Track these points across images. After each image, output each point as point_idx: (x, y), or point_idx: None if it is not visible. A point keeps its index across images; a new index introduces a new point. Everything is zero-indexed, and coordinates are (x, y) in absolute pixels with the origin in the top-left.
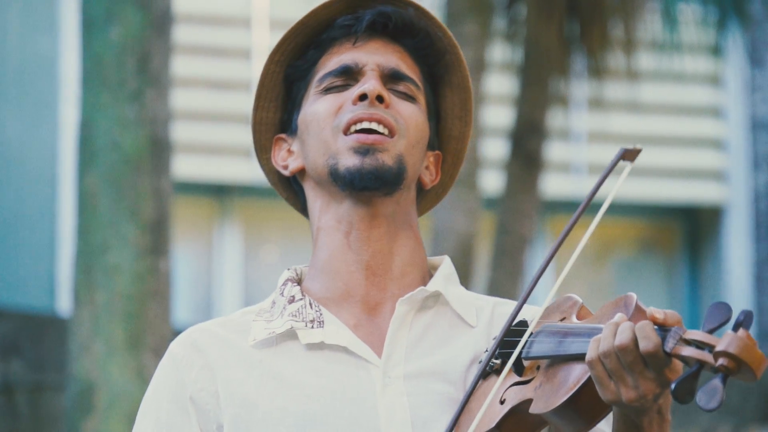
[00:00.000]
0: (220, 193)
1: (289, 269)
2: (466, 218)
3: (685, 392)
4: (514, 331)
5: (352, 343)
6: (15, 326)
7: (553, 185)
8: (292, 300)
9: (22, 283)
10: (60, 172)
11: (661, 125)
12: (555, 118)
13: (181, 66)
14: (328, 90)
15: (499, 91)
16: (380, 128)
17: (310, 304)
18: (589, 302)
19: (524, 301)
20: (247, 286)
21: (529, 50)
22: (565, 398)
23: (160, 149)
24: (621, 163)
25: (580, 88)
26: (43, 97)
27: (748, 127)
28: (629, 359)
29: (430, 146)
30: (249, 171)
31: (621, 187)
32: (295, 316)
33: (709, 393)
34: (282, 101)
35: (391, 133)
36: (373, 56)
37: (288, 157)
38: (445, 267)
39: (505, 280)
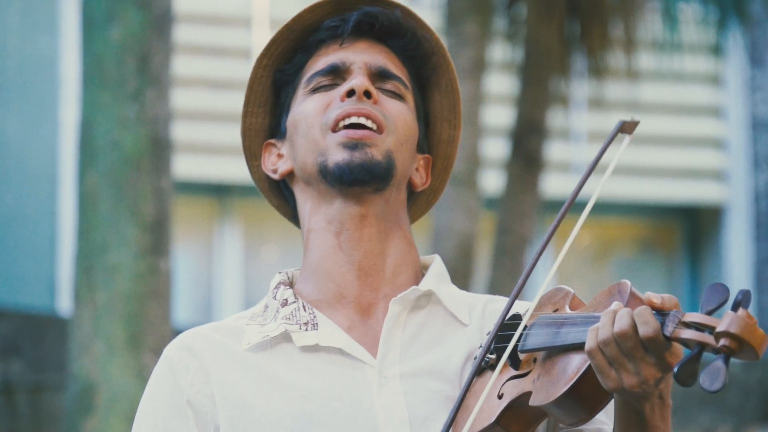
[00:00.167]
0: (220, 193)
1: (280, 272)
2: (466, 218)
3: (687, 375)
4: (507, 326)
5: (347, 344)
6: (15, 326)
7: (553, 185)
8: (285, 303)
9: (22, 282)
10: (60, 171)
11: (661, 125)
12: (555, 118)
13: (181, 66)
14: (316, 90)
15: (499, 91)
16: (368, 123)
17: (303, 307)
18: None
19: (517, 295)
20: (247, 286)
21: (529, 50)
22: (565, 388)
23: (160, 149)
24: (619, 135)
25: (580, 88)
26: (43, 97)
27: (749, 126)
28: (629, 346)
29: (420, 149)
30: None
31: (620, 160)
32: (289, 319)
33: (713, 374)
34: (271, 107)
35: (380, 129)
36: (361, 55)
37: (277, 161)
38: (436, 266)
39: (506, 280)
